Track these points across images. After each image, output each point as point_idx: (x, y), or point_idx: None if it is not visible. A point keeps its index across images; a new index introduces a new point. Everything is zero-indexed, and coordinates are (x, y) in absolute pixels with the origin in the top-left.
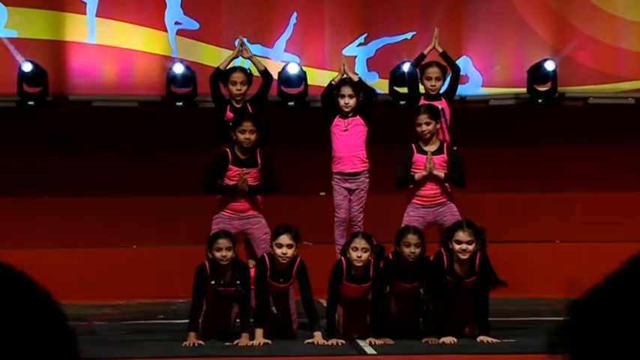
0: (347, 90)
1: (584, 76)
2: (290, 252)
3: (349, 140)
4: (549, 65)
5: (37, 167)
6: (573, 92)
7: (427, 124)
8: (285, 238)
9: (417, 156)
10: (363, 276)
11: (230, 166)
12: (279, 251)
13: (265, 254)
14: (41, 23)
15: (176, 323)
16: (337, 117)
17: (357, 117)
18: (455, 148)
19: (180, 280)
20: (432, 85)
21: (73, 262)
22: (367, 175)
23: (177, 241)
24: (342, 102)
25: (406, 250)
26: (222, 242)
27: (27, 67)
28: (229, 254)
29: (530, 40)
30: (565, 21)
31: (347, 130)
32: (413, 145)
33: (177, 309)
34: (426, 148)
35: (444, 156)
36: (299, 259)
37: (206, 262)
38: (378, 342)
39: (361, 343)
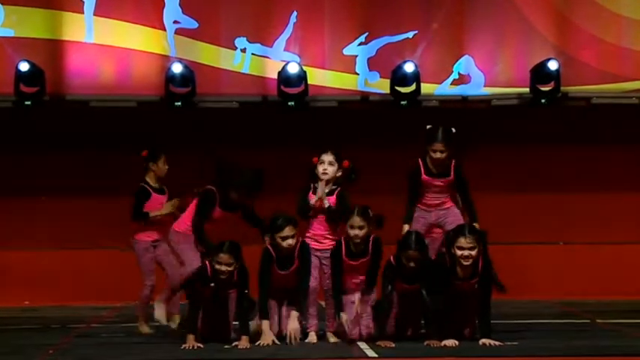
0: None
1: (588, 75)
2: (294, 241)
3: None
4: (552, 65)
5: (34, 167)
6: (576, 92)
7: (442, 152)
8: (288, 230)
9: (424, 177)
10: (362, 251)
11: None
12: (284, 243)
13: (269, 246)
14: (38, 22)
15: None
16: (310, 192)
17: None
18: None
19: None
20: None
21: (70, 263)
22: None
23: None
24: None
25: (406, 263)
26: (223, 257)
27: (24, 66)
28: (229, 269)
29: (532, 39)
30: (568, 20)
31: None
32: (420, 164)
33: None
34: (433, 169)
35: (451, 178)
36: (300, 240)
37: (207, 265)
38: (380, 344)
39: (362, 345)
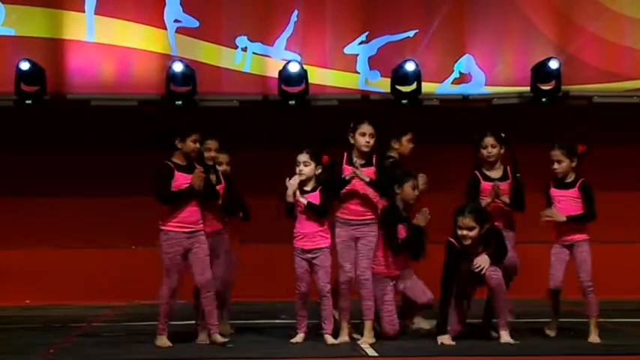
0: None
1: (589, 74)
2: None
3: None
4: (553, 64)
5: (35, 167)
6: (577, 91)
7: (493, 146)
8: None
9: (484, 184)
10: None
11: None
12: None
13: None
14: (39, 21)
15: (176, 324)
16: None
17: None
18: (518, 174)
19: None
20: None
21: (72, 262)
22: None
23: None
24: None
25: (361, 140)
26: (211, 143)
27: (24, 65)
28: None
29: (533, 38)
30: (569, 19)
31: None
32: (477, 173)
33: (177, 310)
34: (491, 174)
35: (509, 182)
36: None
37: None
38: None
39: (363, 345)
